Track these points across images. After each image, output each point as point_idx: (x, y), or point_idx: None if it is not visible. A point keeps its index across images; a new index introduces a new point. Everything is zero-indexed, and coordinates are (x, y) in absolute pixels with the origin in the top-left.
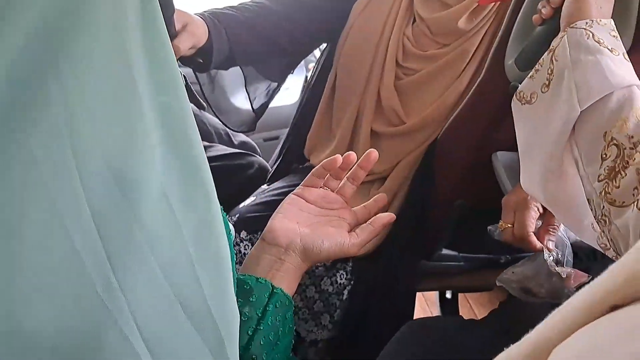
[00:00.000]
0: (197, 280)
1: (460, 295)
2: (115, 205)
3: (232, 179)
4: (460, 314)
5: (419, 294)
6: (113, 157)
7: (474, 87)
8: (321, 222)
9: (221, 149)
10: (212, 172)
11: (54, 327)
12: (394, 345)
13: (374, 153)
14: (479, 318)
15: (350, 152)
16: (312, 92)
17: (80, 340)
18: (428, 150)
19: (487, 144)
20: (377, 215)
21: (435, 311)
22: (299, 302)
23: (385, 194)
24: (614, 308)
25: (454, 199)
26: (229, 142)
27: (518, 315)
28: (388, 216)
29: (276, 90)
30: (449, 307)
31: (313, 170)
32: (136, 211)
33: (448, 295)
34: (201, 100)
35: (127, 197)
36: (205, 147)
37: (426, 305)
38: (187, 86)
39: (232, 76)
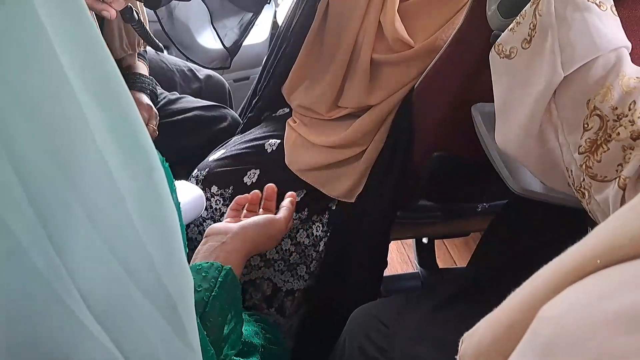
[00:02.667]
0: (143, 248)
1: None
2: (51, 182)
3: (204, 131)
4: (436, 256)
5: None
6: (47, 134)
7: (452, 34)
8: None
9: (192, 101)
10: (183, 123)
11: None
12: (342, 339)
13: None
14: (455, 260)
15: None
16: (293, 26)
17: (26, 318)
18: (405, 99)
19: (466, 95)
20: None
21: (412, 255)
22: (274, 254)
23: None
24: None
25: (432, 150)
26: (194, 78)
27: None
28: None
29: (251, 22)
30: (425, 251)
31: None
32: (76, 186)
33: (424, 239)
34: (158, 43)
35: (65, 172)
36: (176, 99)
37: (403, 249)
38: (142, 28)
39: (196, 11)
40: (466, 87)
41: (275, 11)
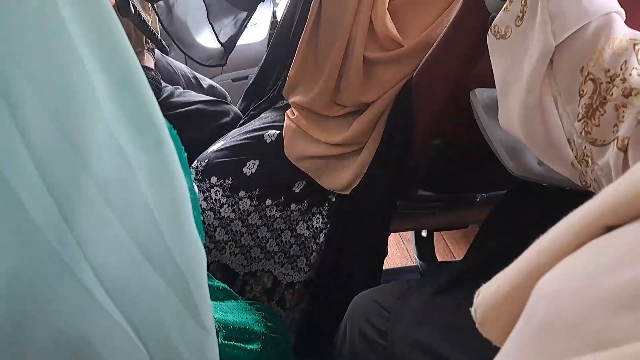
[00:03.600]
0: (154, 222)
1: (435, 232)
2: (62, 157)
3: (207, 124)
4: (435, 250)
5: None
6: (55, 110)
7: (450, 20)
8: None
9: (195, 95)
10: (185, 116)
11: (6, 285)
12: (344, 324)
13: None
14: (454, 253)
15: None
16: (293, 31)
17: (36, 294)
18: (402, 91)
19: (465, 81)
20: None
21: (411, 249)
22: (274, 246)
23: None
24: (609, 229)
25: (432, 138)
26: (198, 86)
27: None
28: None
29: (246, 20)
30: (424, 244)
31: None
32: (85, 161)
33: (424, 233)
34: (162, 41)
35: (75, 147)
36: (179, 93)
37: (402, 243)
38: (142, 22)
39: (193, 9)
40: (464, 72)
41: (274, 11)
